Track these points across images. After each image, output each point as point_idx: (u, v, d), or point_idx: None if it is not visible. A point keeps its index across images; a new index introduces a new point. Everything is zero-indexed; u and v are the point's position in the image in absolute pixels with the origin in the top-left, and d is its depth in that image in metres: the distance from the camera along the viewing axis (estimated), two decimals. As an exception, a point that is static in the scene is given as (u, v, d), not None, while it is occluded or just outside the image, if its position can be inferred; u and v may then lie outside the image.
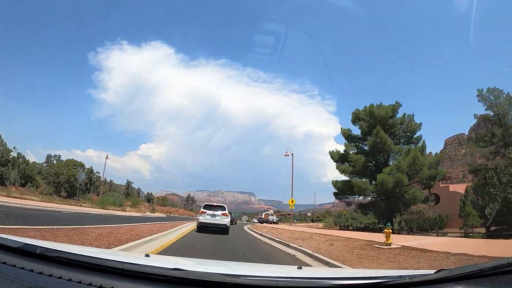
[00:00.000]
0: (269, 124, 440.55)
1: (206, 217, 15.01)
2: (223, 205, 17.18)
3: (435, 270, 1.47)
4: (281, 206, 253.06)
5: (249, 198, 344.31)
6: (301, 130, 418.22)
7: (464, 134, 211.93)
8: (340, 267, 6.77)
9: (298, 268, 2.13)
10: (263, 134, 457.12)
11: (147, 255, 2.09)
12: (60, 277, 1.39)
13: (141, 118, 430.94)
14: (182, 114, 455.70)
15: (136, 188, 79.50)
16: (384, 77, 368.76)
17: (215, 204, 17.45)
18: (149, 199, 72.75)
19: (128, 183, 70.60)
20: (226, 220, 15.39)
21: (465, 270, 1.38)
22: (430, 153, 33.95)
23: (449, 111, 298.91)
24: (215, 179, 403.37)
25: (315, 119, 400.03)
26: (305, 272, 2.09)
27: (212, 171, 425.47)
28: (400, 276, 1.47)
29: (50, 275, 1.40)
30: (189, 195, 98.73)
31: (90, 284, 1.35)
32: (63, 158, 65.49)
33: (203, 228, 14.82)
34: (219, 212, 15.25)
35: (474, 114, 31.83)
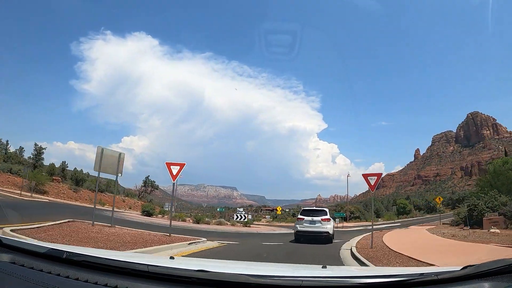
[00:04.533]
0: (253, 119, 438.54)
1: (304, 225, 13.74)
2: (324, 209, 16.08)
3: (461, 267, 1.43)
4: (264, 201, 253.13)
5: (232, 193, 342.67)
6: (285, 126, 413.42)
7: (452, 131, 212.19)
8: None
9: (322, 267, 2.11)
10: (247, 128, 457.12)
11: (171, 258, 2.15)
12: (86, 281, 1.43)
13: (124, 110, 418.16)
14: (166, 107, 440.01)
15: (61, 163, 59.37)
16: (372, 77, 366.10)
17: (314, 208, 16.46)
18: (79, 180, 54.37)
19: (38, 148, 50.56)
20: (328, 227, 13.69)
21: (493, 266, 1.36)
22: None
23: (438, 108, 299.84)
24: (197, 173, 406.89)
25: (299, 115, 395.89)
26: (330, 271, 2.09)
27: (195, 165, 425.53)
28: (426, 274, 1.47)
29: (77, 279, 1.44)
30: (147, 177, 73.06)
31: (116, 287, 1.38)
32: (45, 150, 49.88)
33: (300, 237, 13.67)
34: (319, 218, 13.69)
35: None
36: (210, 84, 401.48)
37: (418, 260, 7.60)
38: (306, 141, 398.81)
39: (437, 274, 1.40)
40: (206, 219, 27.42)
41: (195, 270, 1.45)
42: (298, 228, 13.93)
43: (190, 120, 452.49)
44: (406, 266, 6.66)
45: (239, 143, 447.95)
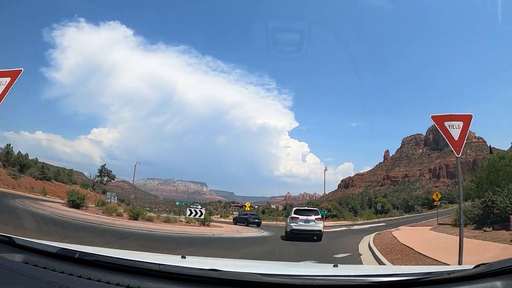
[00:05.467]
0: (224, 114, 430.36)
1: (299, 223, 14.00)
2: (315, 208, 16.96)
3: (474, 265, 1.41)
4: (233, 197, 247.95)
5: (201, 188, 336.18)
6: (256, 122, 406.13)
7: (421, 134, 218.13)
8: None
9: (334, 266, 2.09)
10: (218, 124, 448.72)
11: (183, 257, 2.11)
12: (98, 280, 1.43)
13: (94, 101, 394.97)
14: (137, 99, 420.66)
15: (6, 145, 51.88)
16: (344, 78, 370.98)
17: (306, 207, 16.84)
18: (23, 165, 45.38)
19: None
20: (321, 225, 14.34)
21: (505, 264, 1.34)
22: None
23: (408, 110, 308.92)
24: (167, 168, 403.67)
25: (271, 113, 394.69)
26: (341, 270, 2.07)
27: (165, 159, 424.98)
28: (439, 272, 1.45)
29: (89, 278, 1.44)
30: (103, 166, 61.82)
31: (127, 286, 1.37)
32: (12, 140, 39.62)
33: (294, 235, 13.92)
34: (313, 217, 14.22)
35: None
36: (183, 77, 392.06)
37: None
38: (277, 139, 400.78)
39: (449, 272, 1.38)
40: (150, 214, 20.53)
41: (207, 269, 1.44)
42: (293, 226, 14.03)
43: (161, 113, 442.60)
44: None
45: (209, 139, 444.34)
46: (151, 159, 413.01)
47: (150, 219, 19.48)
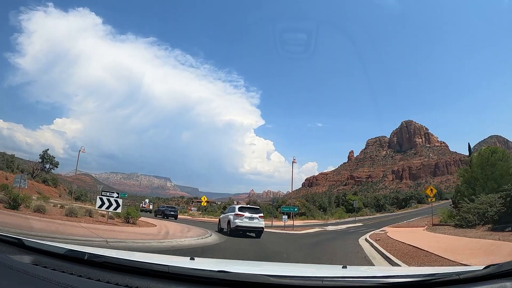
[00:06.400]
0: (191, 110, 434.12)
1: (244, 220, 14.44)
2: (258, 207, 17.67)
3: (484, 266, 1.41)
4: (197, 193, 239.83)
5: (165, 183, 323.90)
6: (222, 119, 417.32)
7: (385, 136, 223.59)
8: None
9: (343, 267, 2.06)
10: (184, 119, 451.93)
11: (192, 258, 2.11)
12: (107, 282, 1.43)
13: (58, 90, 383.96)
14: (103, 90, 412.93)
15: None
16: (311, 79, 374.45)
17: (250, 206, 18.05)
18: None
19: None
20: (263, 223, 15.09)
21: None
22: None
23: (373, 113, 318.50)
24: (131, 162, 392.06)
25: (238, 110, 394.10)
26: (351, 271, 2.05)
27: (129, 153, 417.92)
28: (448, 273, 1.44)
29: (98, 280, 1.44)
30: (45, 151, 57.37)
31: None
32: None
33: (238, 231, 14.30)
34: (257, 215, 14.88)
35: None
36: (150, 70, 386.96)
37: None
38: (242, 136, 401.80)
39: (459, 273, 1.37)
40: (37, 202, 13.65)
41: (215, 271, 1.44)
42: (238, 223, 14.28)
43: (127, 106, 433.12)
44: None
45: (174, 134, 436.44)
46: (114, 152, 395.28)
47: (40, 210, 12.70)
